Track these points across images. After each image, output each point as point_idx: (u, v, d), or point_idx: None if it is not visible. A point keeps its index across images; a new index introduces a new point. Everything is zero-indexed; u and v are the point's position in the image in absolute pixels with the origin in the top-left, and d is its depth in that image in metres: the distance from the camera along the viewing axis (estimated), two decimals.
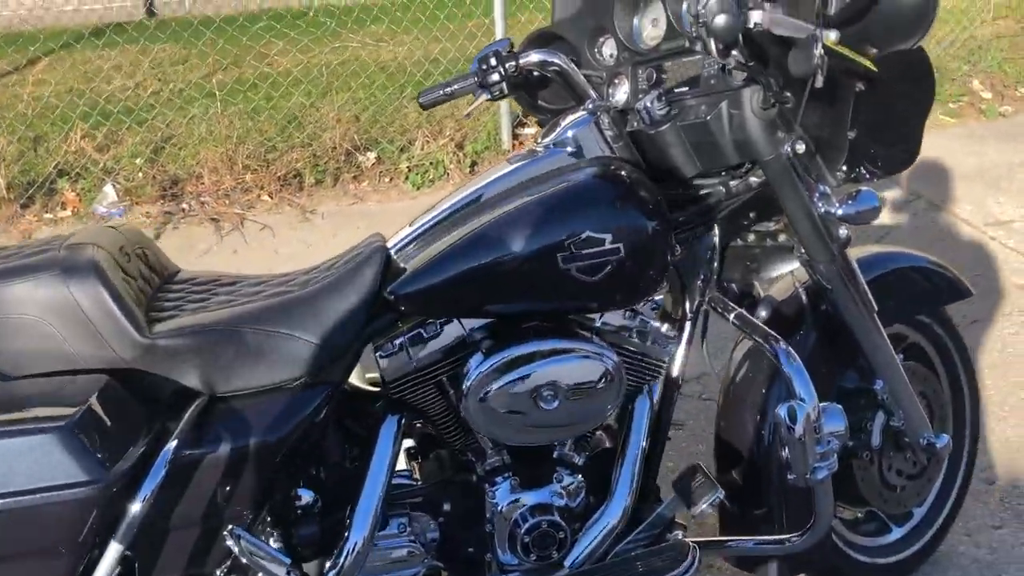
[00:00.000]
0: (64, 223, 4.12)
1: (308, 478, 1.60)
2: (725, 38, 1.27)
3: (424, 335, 1.56)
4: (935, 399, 1.92)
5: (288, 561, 1.49)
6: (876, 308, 1.67)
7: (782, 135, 1.51)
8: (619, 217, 1.50)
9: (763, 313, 1.78)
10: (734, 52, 1.32)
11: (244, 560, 1.46)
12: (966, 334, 2.02)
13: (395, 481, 1.63)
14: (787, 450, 1.53)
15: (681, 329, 1.71)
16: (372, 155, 4.51)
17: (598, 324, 1.61)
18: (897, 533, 1.97)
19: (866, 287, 1.66)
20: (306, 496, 1.59)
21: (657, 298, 1.73)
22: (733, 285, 1.81)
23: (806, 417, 1.48)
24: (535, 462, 1.65)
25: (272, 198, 4.25)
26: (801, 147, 1.51)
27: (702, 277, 1.70)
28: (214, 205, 4.18)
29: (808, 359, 1.68)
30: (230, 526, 1.46)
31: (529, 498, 1.61)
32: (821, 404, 1.54)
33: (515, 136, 4.67)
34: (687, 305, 1.71)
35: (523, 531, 1.60)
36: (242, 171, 4.28)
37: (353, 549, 1.52)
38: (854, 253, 1.85)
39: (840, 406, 1.57)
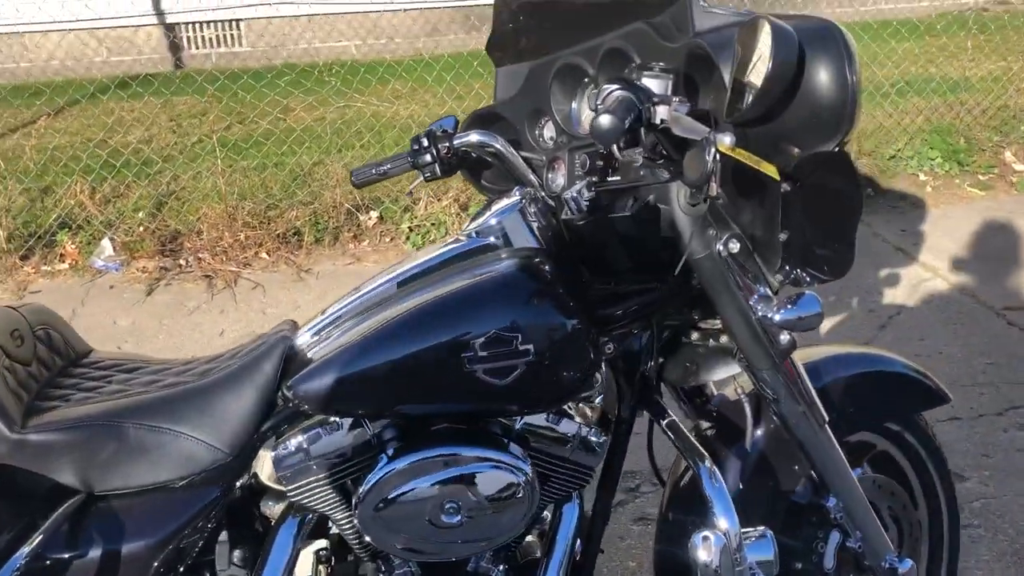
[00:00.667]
0: (61, 276, 4.12)
1: None
2: (607, 140, 1.17)
3: (323, 435, 1.46)
4: (905, 516, 1.76)
5: None
6: (827, 419, 1.53)
7: (713, 232, 1.39)
8: (531, 316, 1.39)
9: (704, 423, 1.64)
10: (642, 149, 1.22)
11: None
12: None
13: None
14: None
15: (618, 432, 1.58)
16: (375, 214, 4.46)
17: (518, 427, 1.49)
18: None
19: (815, 396, 1.52)
20: None
21: (597, 400, 1.62)
22: (682, 387, 1.68)
23: (722, 548, 1.33)
24: (450, 572, 1.53)
25: (270, 255, 4.21)
26: (735, 246, 1.39)
27: (638, 378, 1.58)
28: (211, 262, 4.15)
29: (751, 473, 1.54)
30: None
31: None
32: (750, 530, 1.40)
33: None
34: (622, 408, 1.59)
35: None
36: (241, 227, 4.25)
37: None
38: (816, 352, 1.72)
39: (770, 533, 1.43)
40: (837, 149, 1.22)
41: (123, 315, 3.76)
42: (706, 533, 1.36)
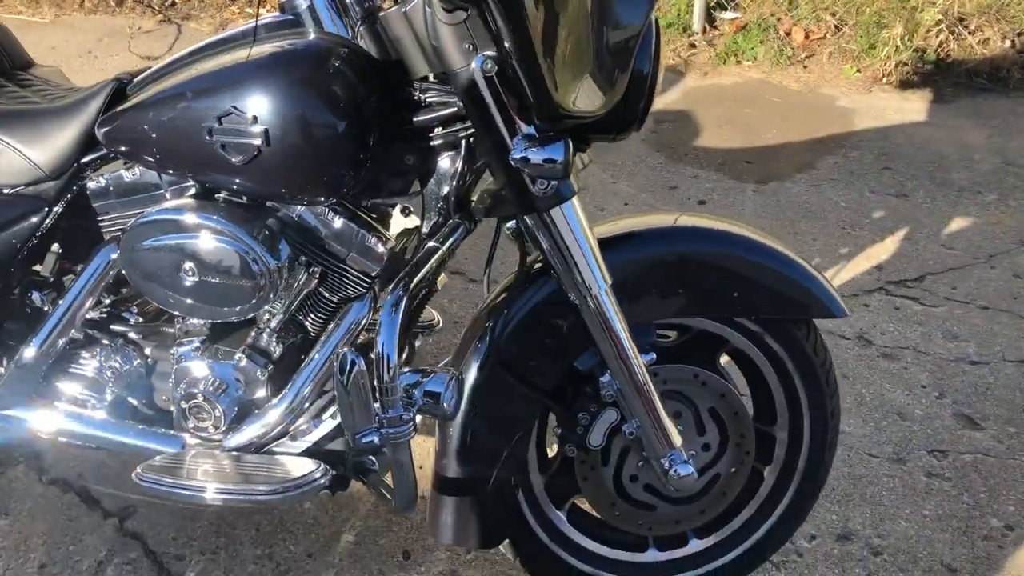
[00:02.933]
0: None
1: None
2: None
3: (126, 177, 1.55)
4: (737, 422, 1.54)
5: None
6: (606, 284, 1.35)
7: (469, 47, 1.23)
8: (277, 100, 1.32)
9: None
10: None
11: None
12: None
13: (120, 315, 1.67)
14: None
15: (418, 248, 1.52)
16: None
17: (294, 216, 1.48)
18: (656, 555, 1.66)
19: (589, 256, 1.34)
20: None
21: (398, 210, 1.56)
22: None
23: (358, 373, 1.26)
24: (230, 336, 1.60)
25: None
26: (491, 67, 1.22)
27: (442, 197, 1.48)
28: None
29: (526, 326, 1.43)
30: None
31: (201, 368, 1.58)
32: (417, 368, 1.32)
33: (711, 20, 4.17)
34: (425, 224, 1.51)
35: (181, 396, 1.58)
36: None
37: (18, 362, 1.60)
38: (679, 219, 1.50)
39: (444, 375, 1.33)
40: None
41: None
42: (347, 352, 1.29)
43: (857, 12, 3.98)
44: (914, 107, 3.60)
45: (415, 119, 1.40)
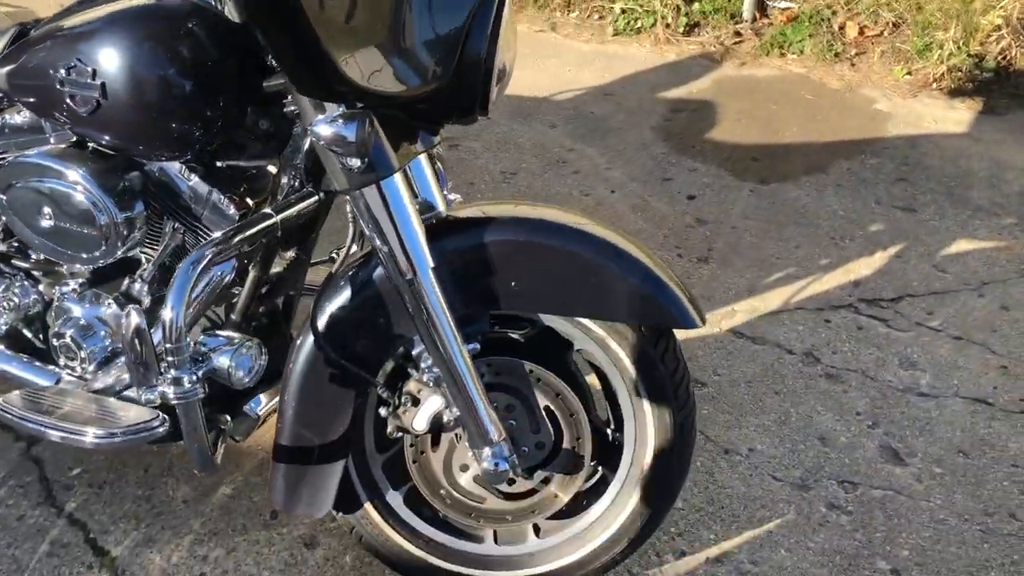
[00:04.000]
0: None
1: None
2: None
3: (17, 120, 1.61)
4: (571, 424, 1.50)
5: None
6: (420, 269, 1.32)
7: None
8: (121, 56, 1.34)
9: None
10: None
11: None
12: None
13: (23, 250, 1.75)
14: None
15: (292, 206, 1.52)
16: None
17: (154, 171, 1.51)
18: (492, 548, 1.63)
19: (409, 239, 1.31)
20: None
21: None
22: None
23: (136, 330, 1.27)
24: (109, 282, 1.65)
25: None
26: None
27: (293, 165, 1.48)
28: None
29: (358, 302, 1.42)
30: None
31: (75, 309, 1.63)
32: (222, 334, 1.32)
33: (762, 8, 3.99)
34: (280, 190, 1.52)
35: (55, 334, 1.64)
36: None
37: None
38: (532, 211, 1.46)
39: (242, 344, 1.34)
40: None
41: None
42: (132, 307, 1.30)
43: (918, 10, 3.73)
44: (957, 117, 3.36)
45: (266, 85, 1.40)
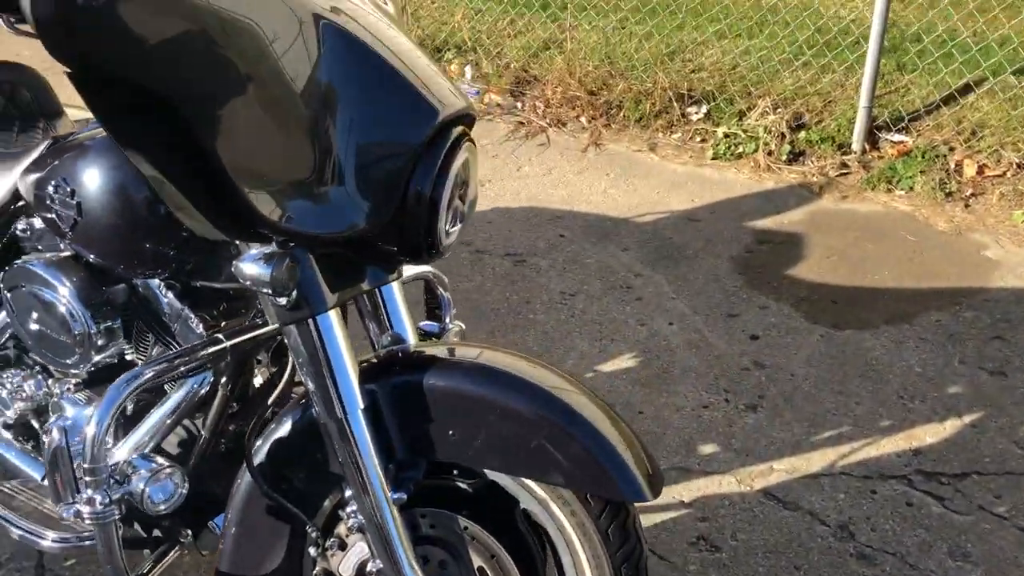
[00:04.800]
0: None
1: None
2: None
3: (36, 226, 1.69)
4: None
5: None
6: (359, 407, 1.28)
7: None
8: (95, 179, 1.42)
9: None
10: None
11: None
12: None
13: None
14: None
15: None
16: (702, 110, 4.14)
17: (138, 285, 1.56)
18: None
19: (349, 383, 1.27)
20: None
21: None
22: None
23: (57, 449, 1.27)
24: (100, 385, 1.71)
25: (587, 121, 4.24)
26: None
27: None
28: (543, 111, 4.34)
29: (288, 436, 1.40)
30: None
31: (61, 406, 1.68)
32: (149, 457, 1.32)
33: (873, 140, 3.81)
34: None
35: (45, 428, 1.70)
36: (577, 87, 4.33)
37: None
38: (495, 359, 1.39)
39: (163, 471, 1.32)
40: None
41: None
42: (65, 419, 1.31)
43: None
44: None
45: None
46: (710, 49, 4.46)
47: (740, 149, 3.89)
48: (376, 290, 1.46)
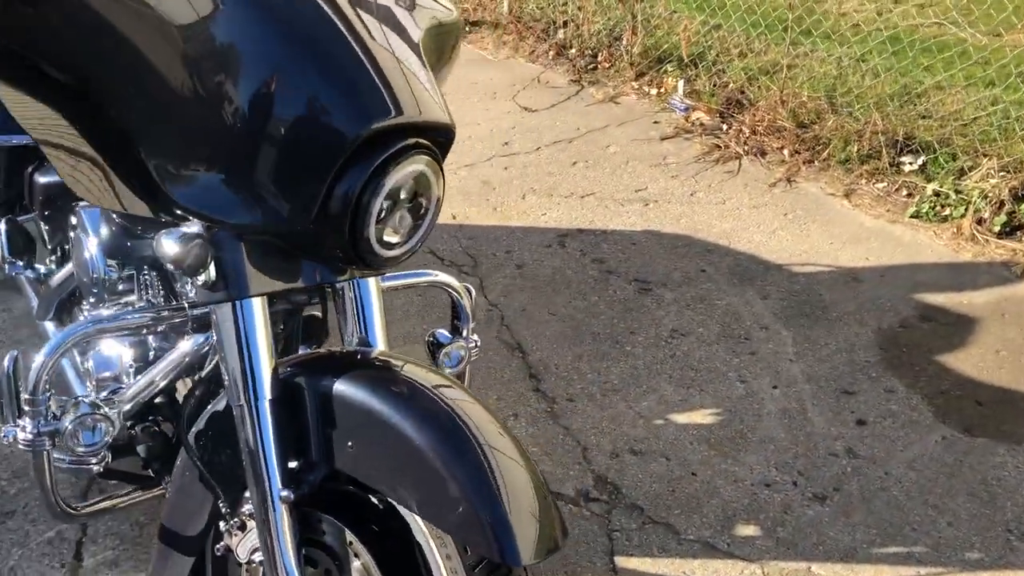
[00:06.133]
0: (648, 100, 4.62)
1: None
2: None
3: None
4: None
5: None
6: (267, 398, 1.30)
7: None
8: None
9: None
10: None
11: None
12: None
13: None
14: None
15: None
16: (917, 161, 3.69)
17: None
18: None
19: (261, 371, 1.30)
20: None
21: None
22: None
23: (5, 371, 1.37)
24: None
25: (788, 157, 3.95)
26: None
27: None
28: (746, 137, 4.11)
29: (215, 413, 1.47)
30: None
31: None
32: (91, 400, 1.41)
33: None
34: None
35: None
36: (787, 118, 4.04)
37: None
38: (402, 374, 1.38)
39: (92, 418, 1.40)
40: None
41: (632, 146, 4.14)
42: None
43: None
44: None
45: None
46: (951, 95, 3.97)
47: (947, 212, 3.45)
48: (354, 290, 1.46)
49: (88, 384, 1.75)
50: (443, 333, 1.71)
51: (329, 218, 1.17)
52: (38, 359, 1.42)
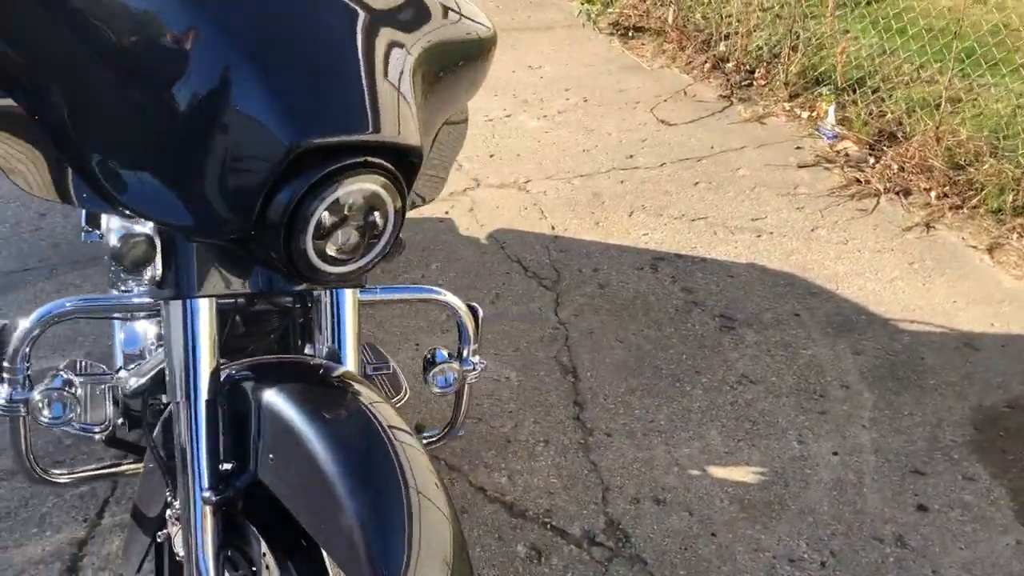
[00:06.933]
0: (797, 123, 4.34)
1: None
2: None
3: None
4: None
5: None
6: (201, 398, 1.33)
7: None
8: None
9: None
10: None
11: None
12: None
13: None
14: None
15: None
16: None
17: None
18: None
19: (202, 370, 1.33)
20: None
21: None
22: None
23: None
24: None
25: (935, 200, 3.60)
26: None
27: None
28: (893, 174, 3.79)
29: None
30: None
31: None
32: (81, 365, 1.48)
33: None
34: None
35: None
36: (940, 156, 3.67)
37: None
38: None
39: (62, 391, 1.46)
40: None
41: (764, 171, 3.92)
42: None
43: None
44: None
45: None
46: None
47: None
48: (331, 300, 1.47)
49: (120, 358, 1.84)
50: (441, 352, 1.68)
51: (267, 227, 1.16)
52: (19, 330, 1.51)
